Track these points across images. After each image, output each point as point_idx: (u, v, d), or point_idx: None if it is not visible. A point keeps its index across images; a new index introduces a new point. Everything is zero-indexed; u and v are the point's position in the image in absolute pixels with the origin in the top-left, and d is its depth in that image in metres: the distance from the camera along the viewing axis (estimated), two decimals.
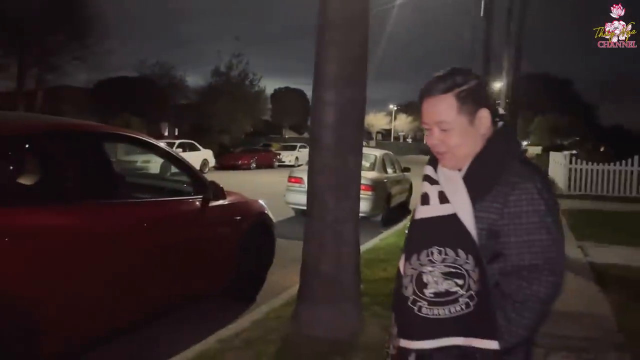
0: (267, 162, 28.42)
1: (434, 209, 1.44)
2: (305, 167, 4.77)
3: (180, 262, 3.80)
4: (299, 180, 9.31)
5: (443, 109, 1.41)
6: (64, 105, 29.39)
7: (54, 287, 2.77)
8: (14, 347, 2.55)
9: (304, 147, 30.32)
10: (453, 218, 1.40)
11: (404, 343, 1.47)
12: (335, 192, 3.74)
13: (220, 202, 4.30)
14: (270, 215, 5.12)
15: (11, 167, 2.95)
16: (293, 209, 9.77)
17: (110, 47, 29.88)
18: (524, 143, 57.58)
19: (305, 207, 4.04)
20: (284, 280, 5.13)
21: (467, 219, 1.38)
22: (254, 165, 26.96)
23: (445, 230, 1.41)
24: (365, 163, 8.90)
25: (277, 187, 11.88)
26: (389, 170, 10.48)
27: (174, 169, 4.35)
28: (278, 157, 30.26)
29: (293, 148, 32.69)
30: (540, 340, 3.72)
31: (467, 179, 1.42)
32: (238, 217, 4.53)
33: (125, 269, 3.27)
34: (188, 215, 4.01)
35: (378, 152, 10.41)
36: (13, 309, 2.55)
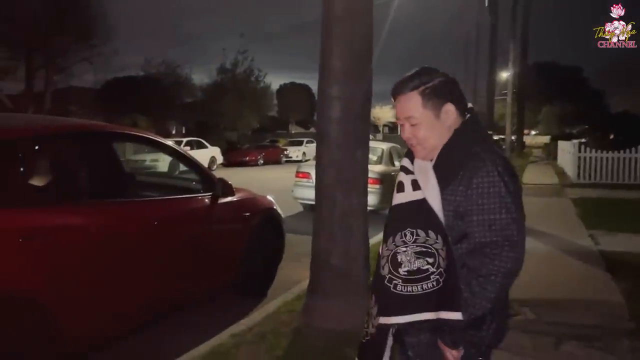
0: (274, 158, 28.45)
1: (408, 195, 1.60)
2: (313, 162, 4.79)
3: (191, 259, 3.84)
4: (306, 175, 9.31)
5: (410, 105, 1.57)
6: (71, 106, 29.60)
7: (67, 287, 2.81)
8: (30, 346, 2.59)
9: (311, 142, 30.31)
10: (423, 202, 1.55)
11: (383, 320, 1.61)
12: (343, 186, 3.76)
13: (229, 198, 4.33)
14: (279, 211, 5.14)
15: (22, 169, 2.99)
16: (301, 204, 9.80)
17: (115, 46, 30.01)
18: (533, 132, 57.21)
19: (313, 202, 4.06)
20: (294, 274, 5.16)
21: (435, 202, 1.53)
22: (262, 162, 27.01)
23: (417, 214, 1.56)
24: (373, 156, 8.89)
25: (284, 183, 11.91)
26: (397, 163, 10.46)
27: (182, 167, 4.38)
28: (285, 152, 30.29)
29: (300, 143, 32.68)
30: (551, 329, 3.73)
31: (436, 167, 1.57)
32: (247, 213, 4.56)
33: (137, 267, 3.31)
34: (198, 213, 4.04)
35: (385, 145, 10.39)
36: (28, 308, 2.60)
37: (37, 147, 3.05)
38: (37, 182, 2.97)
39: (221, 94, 36.14)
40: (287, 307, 4.19)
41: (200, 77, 40.35)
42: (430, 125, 1.56)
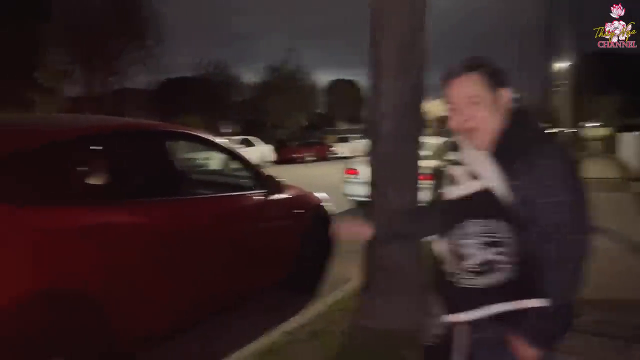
0: (321, 155, 28.78)
1: (466, 187, 1.56)
2: (362, 159, 4.72)
3: (244, 255, 3.85)
4: (355, 171, 9.29)
5: (472, 84, 1.54)
6: (126, 107, 30.74)
7: (124, 284, 2.85)
8: (87, 343, 2.65)
9: (357, 138, 30.42)
10: (485, 192, 1.51)
11: (453, 317, 1.55)
12: (395, 182, 3.66)
13: (279, 195, 4.33)
14: (330, 207, 5.10)
15: (80, 168, 3.07)
16: (351, 200, 9.75)
17: (167, 48, 30.95)
18: (591, 125, 54.69)
19: (363, 199, 3.99)
20: (346, 272, 5.10)
21: (499, 190, 1.49)
22: (310, 159, 27.24)
23: (479, 204, 1.51)
24: (426, 151, 8.71)
25: (331, 179, 11.89)
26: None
27: (233, 165, 4.41)
28: (331, 149, 30.56)
29: (346, 140, 32.80)
30: (619, 331, 3.51)
31: (494, 154, 1.53)
32: (297, 210, 4.55)
33: (191, 264, 3.35)
34: (249, 210, 4.06)
35: (438, 140, 10.17)
36: (86, 305, 2.66)
37: (95, 146, 3.13)
38: (94, 180, 3.04)
39: (270, 93, 36.62)
40: (338, 305, 4.15)
41: (249, 76, 40.91)
42: (490, 106, 1.54)
